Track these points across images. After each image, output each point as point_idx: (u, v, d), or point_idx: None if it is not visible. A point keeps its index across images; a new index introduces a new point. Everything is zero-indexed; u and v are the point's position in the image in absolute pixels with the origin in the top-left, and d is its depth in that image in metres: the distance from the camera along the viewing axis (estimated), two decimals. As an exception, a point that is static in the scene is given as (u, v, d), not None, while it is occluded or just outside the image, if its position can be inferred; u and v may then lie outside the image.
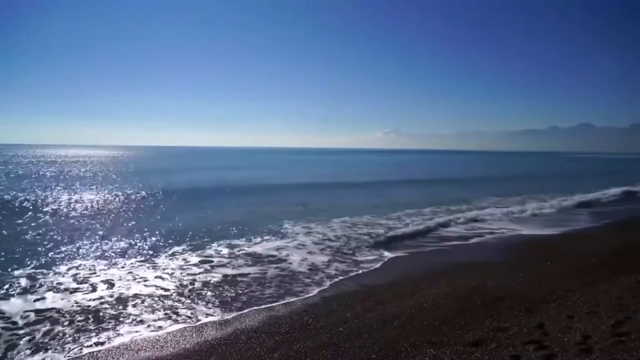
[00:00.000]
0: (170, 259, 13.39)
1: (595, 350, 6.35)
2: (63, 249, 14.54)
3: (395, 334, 7.63)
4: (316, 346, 7.28)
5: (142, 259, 13.43)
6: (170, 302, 9.73)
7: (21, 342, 7.70)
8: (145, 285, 10.83)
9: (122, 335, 8.04)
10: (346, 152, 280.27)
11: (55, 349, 7.44)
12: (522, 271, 11.69)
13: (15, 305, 9.29)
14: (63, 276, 11.42)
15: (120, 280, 11.22)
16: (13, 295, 9.89)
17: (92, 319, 8.72)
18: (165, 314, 9.08)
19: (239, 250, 14.47)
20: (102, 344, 7.67)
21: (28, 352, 7.36)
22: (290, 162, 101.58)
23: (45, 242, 15.41)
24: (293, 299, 9.99)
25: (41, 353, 7.33)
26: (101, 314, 9.01)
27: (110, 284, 10.91)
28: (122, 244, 15.41)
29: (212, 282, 11.19)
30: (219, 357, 7.11)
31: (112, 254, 13.94)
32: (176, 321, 8.69)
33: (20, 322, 8.48)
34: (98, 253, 14.08)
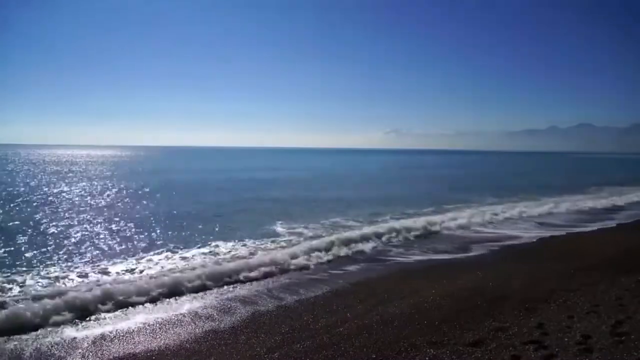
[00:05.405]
0: (169, 258, 13.45)
1: (595, 350, 6.34)
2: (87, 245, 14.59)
3: (395, 334, 7.62)
4: (316, 346, 7.27)
5: (141, 257, 13.48)
6: (168, 301, 9.76)
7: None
8: (143, 284, 10.80)
9: (120, 330, 8.05)
10: (352, 153, 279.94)
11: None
12: (522, 271, 11.69)
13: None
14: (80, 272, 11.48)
15: (119, 275, 11.26)
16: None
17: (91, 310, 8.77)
18: (165, 313, 9.10)
19: (239, 250, 14.52)
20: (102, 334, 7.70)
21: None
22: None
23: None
24: (293, 299, 9.98)
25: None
26: (102, 307, 9.06)
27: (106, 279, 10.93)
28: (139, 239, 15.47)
29: (211, 282, 11.18)
30: (219, 357, 7.11)
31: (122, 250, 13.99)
32: (175, 320, 8.70)
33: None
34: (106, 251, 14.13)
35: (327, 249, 14.36)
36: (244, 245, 15.38)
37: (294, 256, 13.30)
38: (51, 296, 9.57)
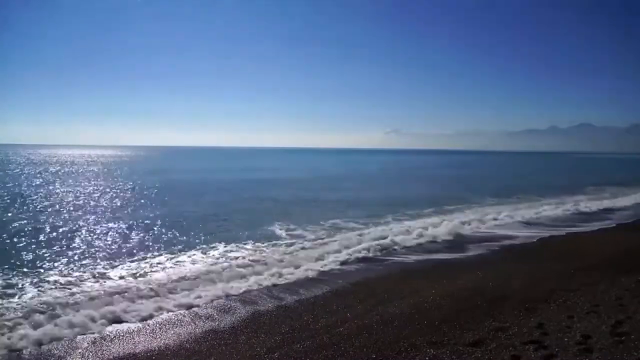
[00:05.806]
0: (169, 258, 13.46)
1: (595, 350, 6.35)
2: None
3: (395, 334, 7.62)
4: (316, 346, 7.27)
5: (142, 258, 13.49)
6: (168, 300, 9.74)
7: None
8: (143, 282, 10.81)
9: (120, 330, 8.05)
10: (353, 153, 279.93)
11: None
12: (522, 271, 11.69)
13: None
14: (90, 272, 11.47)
15: (120, 276, 11.29)
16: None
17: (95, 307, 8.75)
18: (165, 313, 9.10)
19: (240, 251, 14.52)
20: (102, 333, 7.70)
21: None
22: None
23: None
24: (293, 299, 9.98)
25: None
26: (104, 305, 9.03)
27: (110, 278, 10.95)
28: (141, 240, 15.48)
29: (213, 281, 11.19)
30: (219, 357, 7.11)
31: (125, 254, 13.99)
32: (175, 320, 8.70)
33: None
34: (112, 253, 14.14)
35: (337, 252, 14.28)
36: (244, 247, 15.22)
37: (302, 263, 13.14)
38: (51, 297, 9.58)
